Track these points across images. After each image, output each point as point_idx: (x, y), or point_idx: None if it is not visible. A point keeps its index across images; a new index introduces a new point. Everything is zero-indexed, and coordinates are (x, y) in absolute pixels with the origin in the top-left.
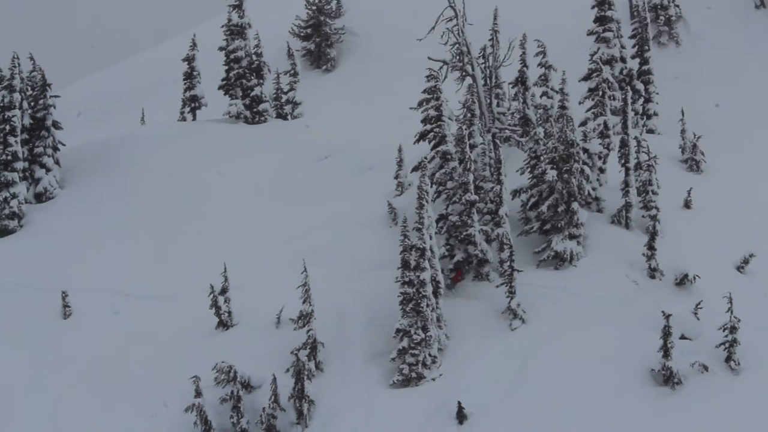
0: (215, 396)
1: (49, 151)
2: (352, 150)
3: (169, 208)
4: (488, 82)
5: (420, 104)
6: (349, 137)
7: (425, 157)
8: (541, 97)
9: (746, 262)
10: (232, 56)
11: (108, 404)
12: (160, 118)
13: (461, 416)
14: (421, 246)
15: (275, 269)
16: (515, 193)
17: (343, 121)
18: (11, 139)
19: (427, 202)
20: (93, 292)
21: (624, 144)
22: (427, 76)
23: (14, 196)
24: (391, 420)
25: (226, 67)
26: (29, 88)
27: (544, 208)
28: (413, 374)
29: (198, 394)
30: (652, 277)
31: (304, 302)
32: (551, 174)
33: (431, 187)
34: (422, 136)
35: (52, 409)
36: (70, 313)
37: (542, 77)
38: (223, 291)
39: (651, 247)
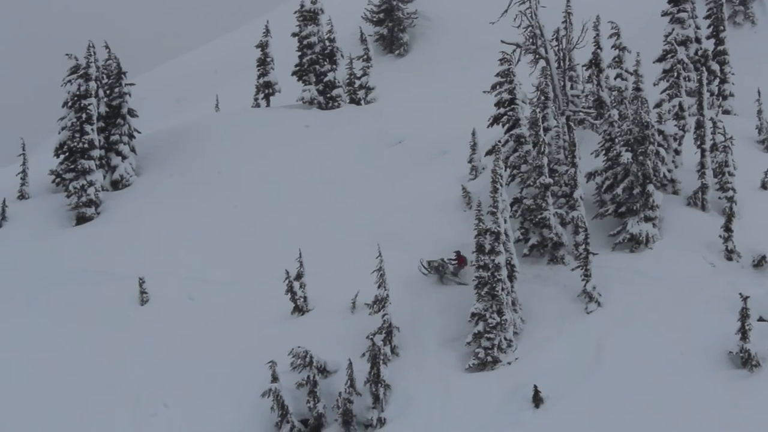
0: (291, 381)
1: (125, 138)
2: (426, 134)
3: (244, 194)
4: (562, 64)
5: (493, 88)
6: (422, 122)
7: (499, 141)
8: (615, 78)
9: None
10: (305, 42)
11: (186, 389)
12: (234, 105)
13: (537, 400)
14: (495, 230)
15: (350, 254)
16: (590, 175)
17: (417, 106)
18: (88, 128)
19: (501, 185)
20: (169, 278)
21: (699, 125)
22: (501, 60)
23: (91, 183)
24: (467, 404)
25: (299, 53)
26: (105, 77)
27: (619, 190)
28: (489, 358)
29: (275, 379)
30: (729, 259)
31: (379, 287)
32: (626, 156)
33: (505, 170)
34: (496, 120)
35: (133, 394)
36: (147, 299)
37: (616, 59)
38: (299, 276)
39: (728, 228)
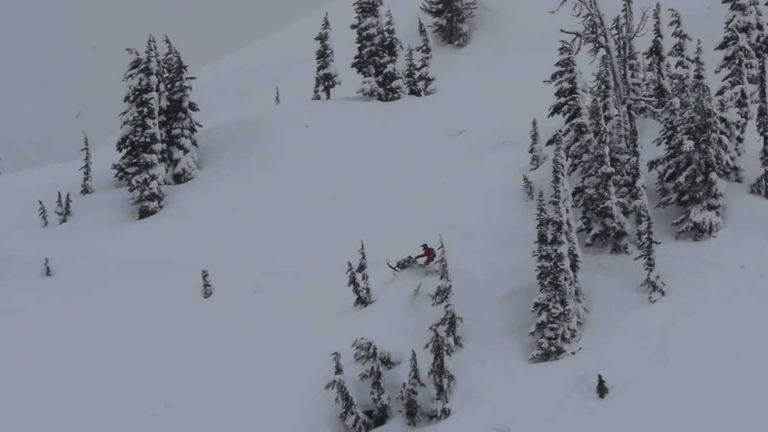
0: (355, 372)
1: (187, 132)
2: (486, 125)
3: (306, 186)
4: (622, 53)
5: (553, 77)
6: (482, 112)
7: (560, 130)
8: (676, 66)
9: None
10: (364, 34)
11: (251, 381)
12: (294, 97)
13: (602, 390)
14: (557, 219)
15: (412, 245)
16: (652, 164)
17: (477, 96)
18: (149, 122)
19: (562, 175)
20: (233, 271)
21: (762, 112)
22: (560, 49)
23: (153, 177)
24: (532, 394)
25: (359, 45)
26: (165, 71)
27: (681, 179)
28: (552, 348)
29: (338, 370)
30: None
31: (441, 277)
32: (688, 144)
33: (566, 160)
34: (556, 109)
35: (199, 385)
36: (211, 292)
37: (677, 47)
38: (361, 268)
39: None
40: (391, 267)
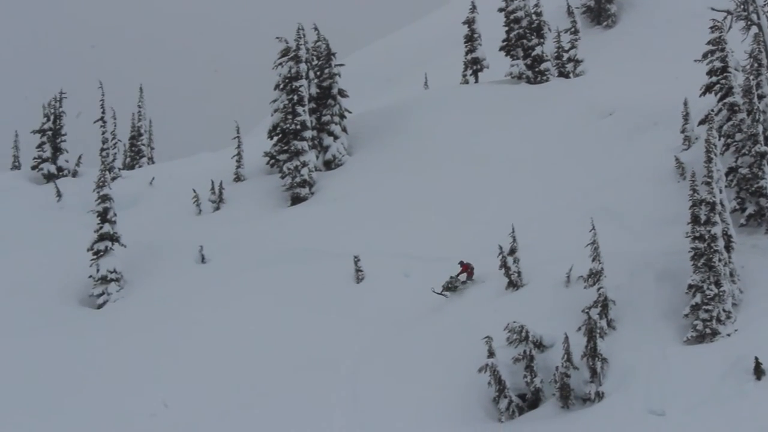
0: (508, 356)
1: (336, 119)
2: (636, 106)
3: (455, 170)
4: None
5: (704, 56)
6: (632, 93)
7: (712, 110)
8: None
9: None
10: (511, 17)
11: (401, 364)
12: (442, 82)
13: (759, 372)
14: (711, 200)
15: (563, 228)
16: None
17: (626, 77)
18: (299, 109)
19: (715, 155)
20: (383, 256)
21: None
22: (711, 27)
23: (304, 164)
24: (686, 377)
25: (506, 28)
26: (315, 58)
27: None
28: (707, 330)
29: (491, 354)
30: None
31: (593, 260)
32: None
33: (719, 139)
34: (708, 89)
35: (352, 369)
36: (363, 277)
37: None
38: (512, 251)
39: None
40: (437, 293)
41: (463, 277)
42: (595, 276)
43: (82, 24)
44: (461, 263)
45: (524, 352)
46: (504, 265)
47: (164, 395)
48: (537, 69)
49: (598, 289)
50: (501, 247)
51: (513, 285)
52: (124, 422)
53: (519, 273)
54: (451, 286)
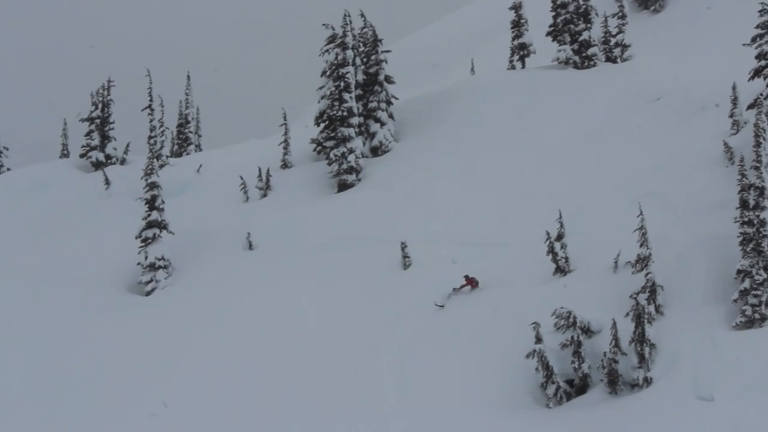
0: (555, 342)
1: (383, 105)
2: (684, 90)
3: (501, 156)
4: None
5: (753, 40)
6: (680, 78)
7: (761, 94)
8: None
9: None
10: (558, 2)
11: (450, 351)
12: (489, 68)
13: None
14: (760, 185)
15: (611, 213)
16: None
17: (674, 62)
18: (346, 96)
19: (764, 139)
20: (430, 243)
21: None
22: (760, 11)
23: (351, 150)
24: (735, 363)
25: (553, 13)
26: (361, 45)
27: None
28: (756, 315)
29: (538, 339)
30: None
31: (641, 245)
32: None
33: None
34: (757, 73)
35: (399, 355)
36: (410, 263)
37: None
38: (560, 237)
39: None
40: (439, 306)
41: (467, 290)
42: (643, 261)
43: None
44: (466, 277)
45: (572, 337)
46: (551, 250)
47: (211, 381)
48: (584, 54)
49: (646, 274)
50: (548, 233)
51: (560, 271)
52: (171, 406)
53: (566, 259)
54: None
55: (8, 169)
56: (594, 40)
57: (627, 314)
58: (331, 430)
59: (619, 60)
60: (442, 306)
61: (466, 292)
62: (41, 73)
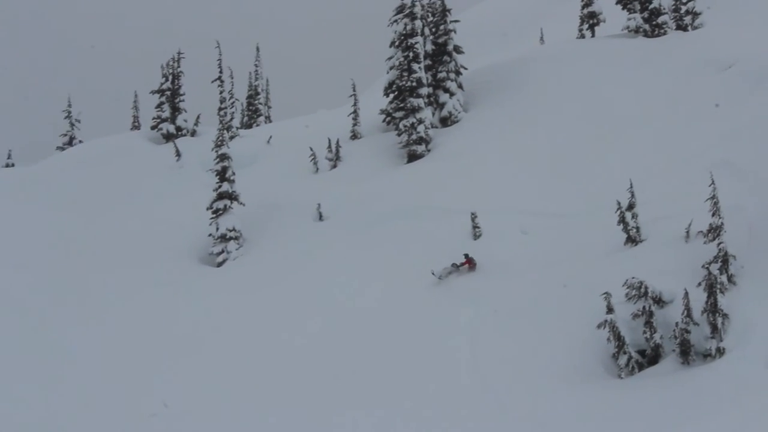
0: (627, 312)
1: (452, 75)
2: (758, 58)
3: (571, 126)
4: None
5: None
6: (752, 45)
7: None
8: None
9: None
10: None
11: (522, 321)
12: (558, 37)
13: None
14: None
15: (681, 182)
16: None
17: (748, 28)
18: (415, 66)
19: None
20: (500, 213)
21: None
22: None
23: (420, 121)
24: None
25: None
26: (430, 15)
27: None
28: None
29: (609, 310)
30: None
31: (713, 215)
32: None
33: None
34: None
35: (469, 325)
36: (480, 233)
37: None
38: (630, 207)
39: None
40: (437, 277)
41: (465, 269)
42: (715, 231)
43: None
44: (466, 256)
45: (643, 307)
46: (622, 220)
47: (286, 357)
48: (654, 22)
49: (719, 244)
50: (619, 203)
51: (631, 240)
52: (249, 372)
53: (637, 228)
54: (450, 273)
55: (80, 141)
56: (664, 8)
57: (699, 284)
58: (402, 404)
59: (689, 28)
60: (440, 278)
61: (464, 272)
62: (112, 45)
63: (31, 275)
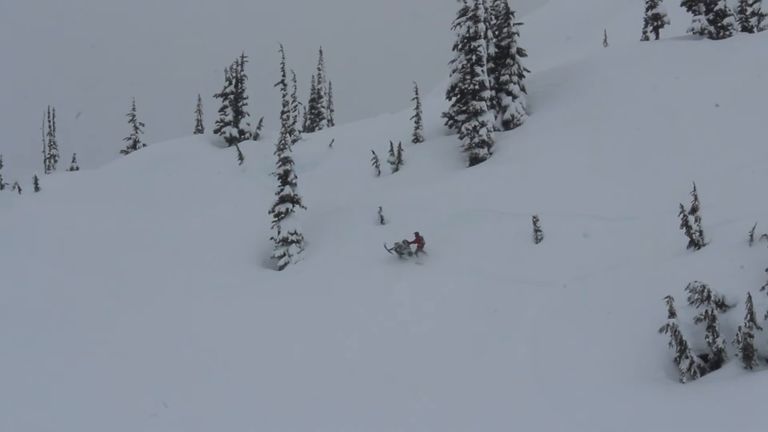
0: (689, 316)
1: (515, 78)
2: None
3: (636, 128)
4: None
5: None
6: None
7: None
8: None
9: None
10: None
11: (584, 325)
12: (622, 39)
13: None
14: None
15: (744, 186)
16: None
17: None
18: (478, 69)
19: None
20: (563, 216)
21: None
22: None
23: (483, 124)
24: None
25: None
26: (493, 17)
27: None
28: None
29: (672, 314)
30: None
31: None
32: None
33: None
34: None
35: (531, 329)
36: (542, 237)
37: None
38: (694, 210)
39: None
40: (387, 249)
41: (413, 247)
42: None
43: None
44: (416, 234)
45: (706, 311)
46: (685, 223)
47: (345, 355)
48: (719, 24)
49: None
50: (682, 206)
51: (694, 244)
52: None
53: (701, 232)
54: (399, 250)
55: (144, 145)
56: (730, 10)
57: (763, 288)
58: (468, 402)
59: (755, 29)
60: (390, 250)
61: (412, 250)
62: (173, 51)
63: (90, 275)
